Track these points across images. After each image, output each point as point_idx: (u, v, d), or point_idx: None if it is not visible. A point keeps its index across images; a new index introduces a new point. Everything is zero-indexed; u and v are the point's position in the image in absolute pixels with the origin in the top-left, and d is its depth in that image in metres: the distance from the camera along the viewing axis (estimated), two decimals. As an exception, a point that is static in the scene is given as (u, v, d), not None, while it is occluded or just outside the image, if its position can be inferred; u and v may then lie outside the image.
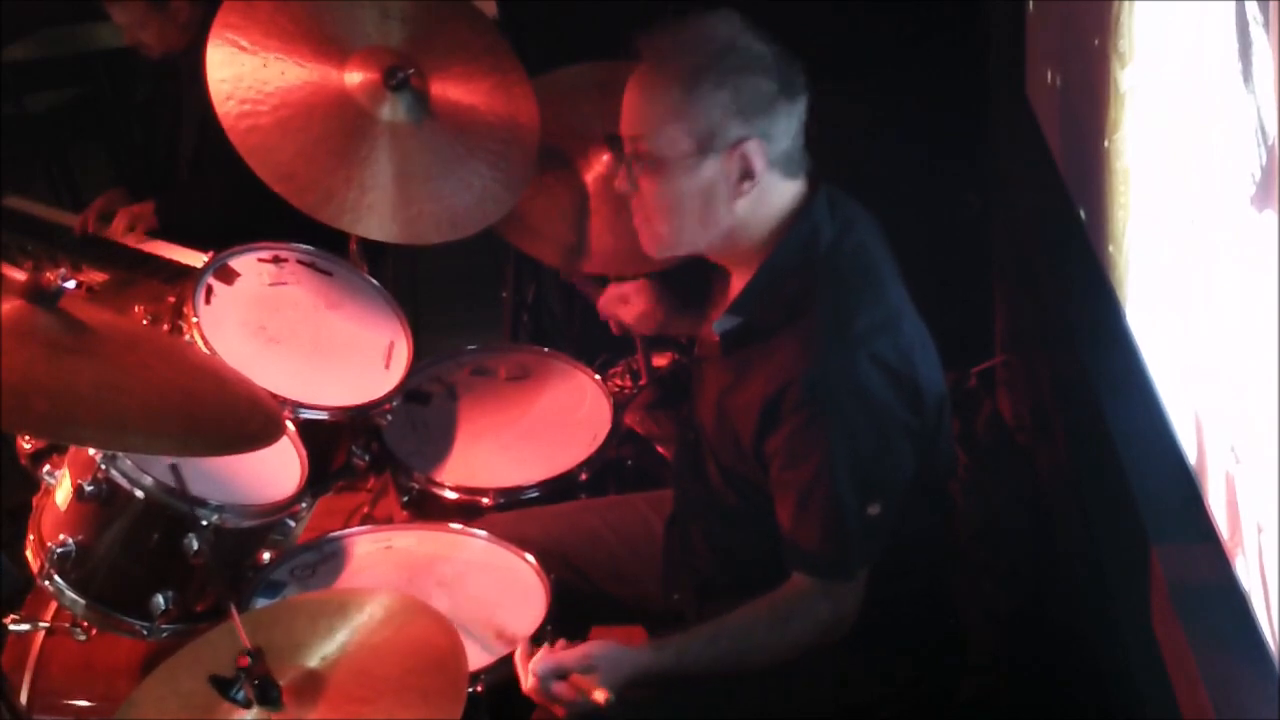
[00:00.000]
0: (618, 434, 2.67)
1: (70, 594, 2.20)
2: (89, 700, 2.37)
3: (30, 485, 2.37)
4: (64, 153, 4.45)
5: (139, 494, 2.16)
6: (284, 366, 2.49)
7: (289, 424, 2.39)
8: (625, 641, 1.99)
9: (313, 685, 1.70)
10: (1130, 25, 1.99)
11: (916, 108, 3.39)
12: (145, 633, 2.23)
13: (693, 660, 1.94)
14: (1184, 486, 1.76)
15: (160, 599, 2.19)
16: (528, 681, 1.90)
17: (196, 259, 2.95)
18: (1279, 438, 1.34)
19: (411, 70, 2.59)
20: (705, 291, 2.25)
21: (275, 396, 2.31)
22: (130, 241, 3.19)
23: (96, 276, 3.10)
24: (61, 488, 2.23)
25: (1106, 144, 2.13)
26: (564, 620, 2.13)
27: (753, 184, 1.96)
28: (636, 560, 2.34)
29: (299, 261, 2.69)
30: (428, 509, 2.54)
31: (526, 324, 3.60)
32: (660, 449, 2.73)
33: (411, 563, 2.28)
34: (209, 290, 2.54)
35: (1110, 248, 2.15)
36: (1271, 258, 1.34)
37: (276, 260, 2.67)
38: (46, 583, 2.20)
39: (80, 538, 2.19)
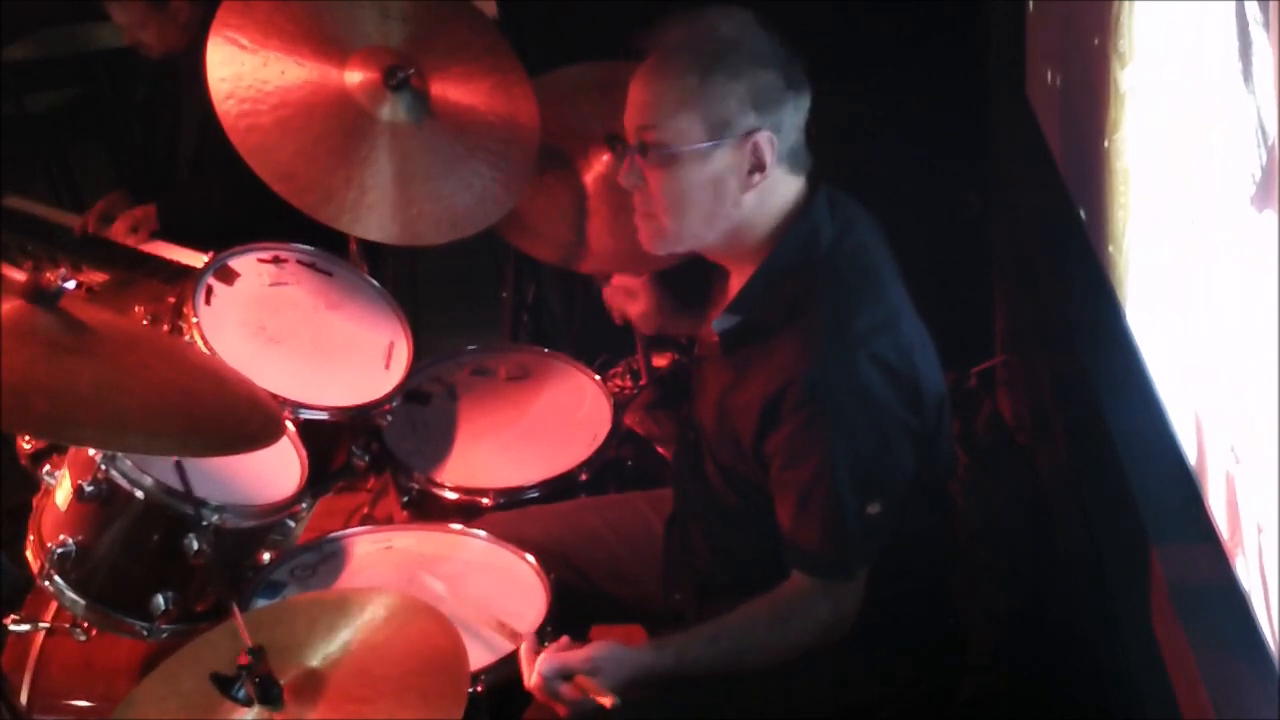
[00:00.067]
0: (618, 434, 2.67)
1: (70, 594, 2.20)
2: (89, 700, 2.37)
3: (30, 485, 2.37)
4: (64, 153, 4.45)
5: (139, 494, 2.16)
6: (284, 366, 2.49)
7: (289, 424, 2.40)
8: (625, 641, 1.99)
9: (313, 685, 1.70)
10: (1130, 25, 1.99)
11: (916, 108, 3.39)
12: (145, 633, 2.22)
13: (693, 660, 1.94)
14: (1184, 486, 1.76)
15: (160, 599, 2.20)
16: (532, 679, 1.90)
17: (196, 259, 2.95)
18: (1279, 438, 1.34)
19: (411, 70, 2.59)
20: (705, 292, 2.25)
21: (275, 396, 2.31)
22: (130, 241, 3.19)
23: (96, 276, 3.11)
24: (61, 488, 2.23)
25: (1106, 144, 2.13)
26: (564, 620, 2.13)
27: (762, 177, 1.96)
28: (636, 560, 2.34)
29: (299, 262, 2.69)
30: (428, 509, 2.54)
31: (526, 324, 3.60)
32: (660, 449, 2.73)
33: (411, 563, 2.28)
34: (209, 290, 2.54)
35: (1110, 248, 2.15)
36: (1271, 258, 1.34)
37: (276, 260, 2.67)
38: (46, 583, 2.20)
39: (80, 538, 2.19)
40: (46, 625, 2.38)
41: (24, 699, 2.33)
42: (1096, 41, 2.17)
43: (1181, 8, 1.71)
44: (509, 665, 2.00)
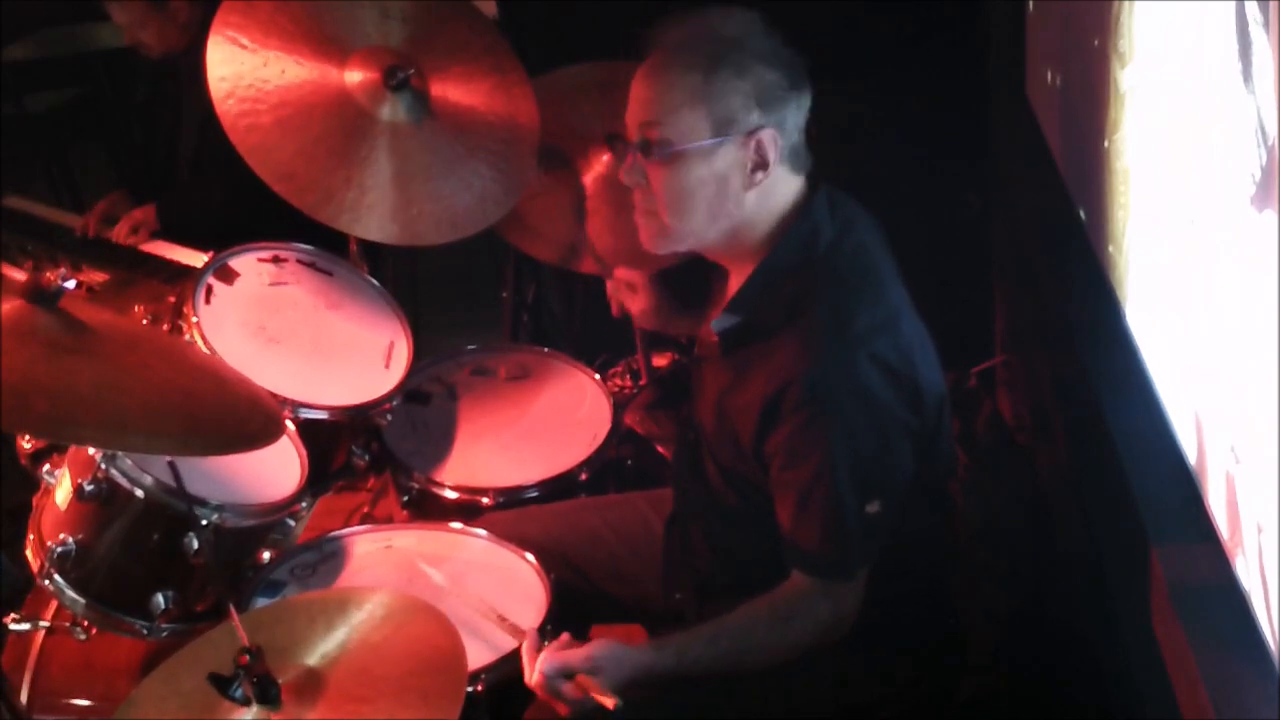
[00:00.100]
0: (618, 434, 2.67)
1: (70, 593, 2.20)
2: (89, 700, 2.37)
3: (30, 485, 2.37)
4: (64, 153, 4.45)
5: (139, 493, 2.16)
6: (284, 366, 2.49)
7: (289, 424, 2.40)
8: (625, 641, 1.99)
9: (312, 684, 1.70)
10: (1130, 25, 1.99)
11: (916, 108, 3.39)
12: (145, 632, 2.23)
13: (693, 660, 1.94)
14: (1184, 486, 1.76)
15: (160, 598, 2.20)
16: (534, 677, 1.90)
17: (196, 259, 2.95)
18: (1279, 438, 1.34)
19: (411, 70, 2.59)
20: (705, 291, 2.25)
21: (275, 396, 2.31)
22: (130, 241, 3.19)
23: (96, 276, 3.11)
24: (61, 487, 2.23)
25: (1106, 144, 2.13)
26: (564, 620, 2.12)
27: (765, 175, 1.96)
28: (636, 560, 2.34)
29: (299, 261, 2.69)
30: (428, 509, 2.54)
31: (526, 324, 3.60)
32: (660, 449, 2.73)
33: (411, 563, 2.28)
34: (209, 290, 2.54)
35: (1110, 248, 2.15)
36: (1271, 258, 1.34)
37: (276, 260, 2.67)
38: (46, 582, 2.20)
39: (80, 537, 2.19)
40: (46, 624, 2.38)
41: (24, 698, 2.33)
42: (1096, 41, 2.17)
43: (1181, 8, 1.71)
44: (509, 664, 2.00)
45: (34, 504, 2.33)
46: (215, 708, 1.67)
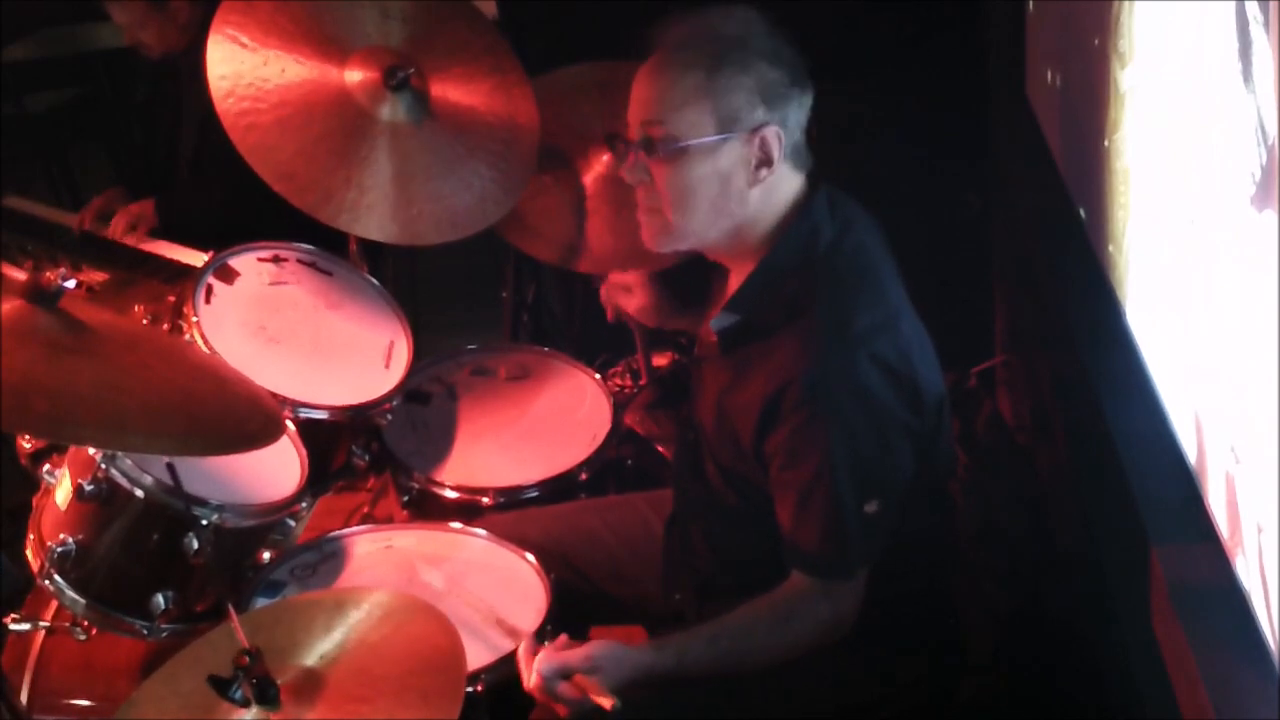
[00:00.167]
0: (618, 434, 2.67)
1: (70, 593, 2.20)
2: (89, 700, 2.37)
3: (30, 485, 2.37)
4: (64, 153, 4.45)
5: (139, 494, 2.16)
6: (284, 366, 2.49)
7: (289, 424, 2.39)
8: (625, 641, 1.99)
9: (311, 684, 1.70)
10: (1130, 25, 1.99)
11: (916, 108, 3.39)
12: (145, 632, 2.23)
13: (693, 660, 1.94)
14: (1184, 486, 1.76)
15: (160, 599, 2.20)
16: (531, 679, 1.90)
17: (196, 259, 2.95)
18: (1279, 438, 1.34)
19: (411, 70, 2.59)
20: (705, 290, 2.25)
21: (275, 396, 2.31)
22: (130, 241, 3.19)
23: (96, 276, 3.11)
24: (61, 487, 2.23)
25: (1106, 144, 2.13)
26: (564, 620, 2.12)
27: (769, 172, 1.96)
28: (636, 560, 2.34)
29: (299, 261, 2.69)
30: (428, 509, 2.54)
31: (526, 324, 3.60)
32: (660, 449, 2.73)
33: (411, 562, 2.28)
34: (209, 290, 2.54)
35: (1110, 248, 2.15)
36: (1271, 258, 1.34)
37: (276, 260, 2.67)
38: (46, 582, 2.20)
39: (80, 537, 2.19)
40: (46, 624, 2.38)
41: (24, 699, 2.33)
42: (1096, 41, 2.17)
43: (1181, 8, 1.71)
44: (508, 665, 2.00)
45: (34, 504, 2.33)
46: (215, 708, 1.67)
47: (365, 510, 2.82)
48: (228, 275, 2.59)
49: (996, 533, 2.78)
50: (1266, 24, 1.37)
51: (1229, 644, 1.59)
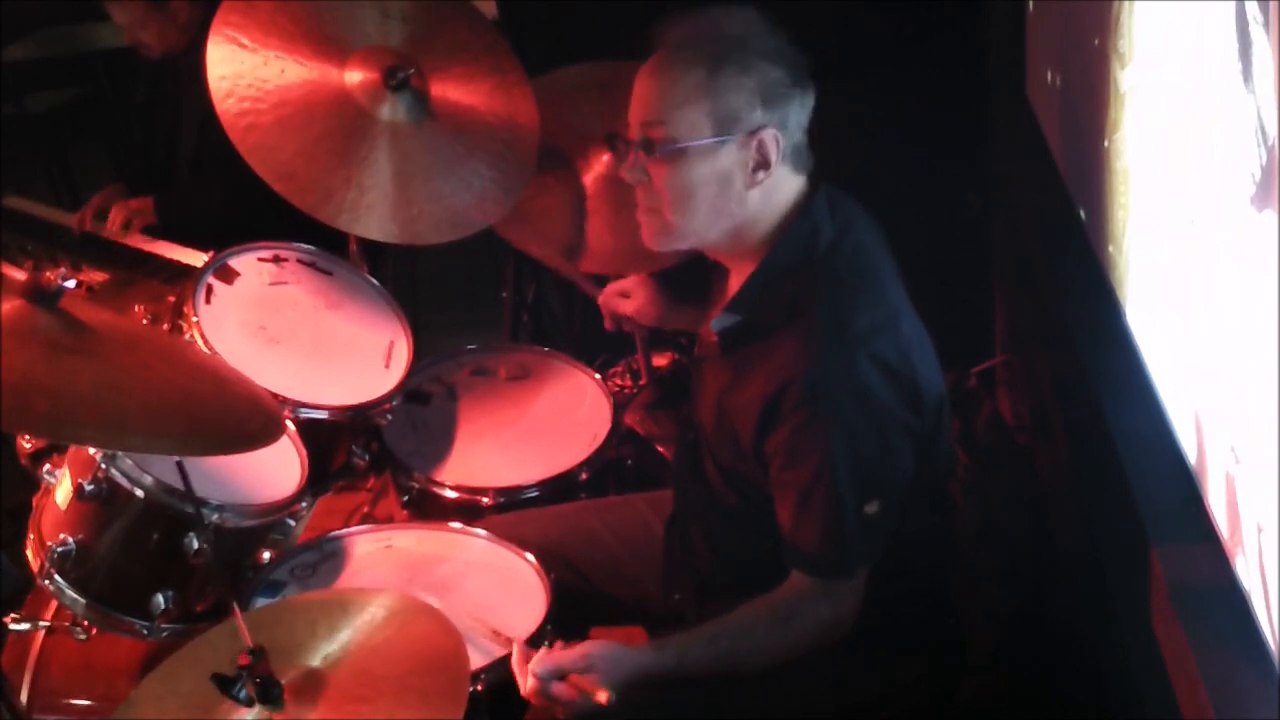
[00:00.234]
0: (618, 434, 2.67)
1: (70, 593, 2.20)
2: (89, 700, 2.37)
3: (30, 485, 2.37)
4: (64, 153, 4.45)
5: (139, 493, 2.16)
6: (284, 366, 2.49)
7: (289, 424, 2.40)
8: (625, 642, 1.99)
9: (314, 684, 1.70)
10: (1130, 25, 1.99)
11: (916, 108, 3.39)
12: (145, 632, 2.23)
13: (693, 661, 1.94)
14: (1184, 486, 1.76)
15: (160, 598, 2.20)
16: (527, 684, 1.90)
17: (196, 259, 2.94)
18: (1279, 438, 1.34)
19: (411, 70, 2.59)
20: (704, 290, 2.25)
21: (275, 396, 2.31)
22: (130, 241, 3.19)
23: (96, 276, 3.11)
24: (61, 487, 2.23)
25: (1106, 144, 2.13)
26: (564, 621, 2.12)
27: (767, 174, 1.96)
28: (636, 560, 2.34)
29: (299, 261, 2.69)
30: (428, 509, 2.54)
31: (526, 324, 3.60)
32: (660, 449, 2.73)
33: (411, 562, 2.28)
34: (209, 290, 2.54)
35: (1110, 248, 2.15)
36: (1271, 258, 1.34)
37: (276, 260, 2.67)
38: (46, 582, 2.20)
39: (80, 537, 2.19)
40: (46, 624, 2.38)
41: (24, 698, 2.34)
42: (1096, 41, 2.17)
43: (1181, 8, 1.71)
44: (508, 665, 2.00)
45: (34, 504, 2.33)
46: (215, 708, 1.67)
47: (365, 510, 2.82)
48: (228, 275, 2.59)
49: (996, 533, 2.78)
50: (1266, 24, 1.37)
51: (1229, 644, 1.59)
